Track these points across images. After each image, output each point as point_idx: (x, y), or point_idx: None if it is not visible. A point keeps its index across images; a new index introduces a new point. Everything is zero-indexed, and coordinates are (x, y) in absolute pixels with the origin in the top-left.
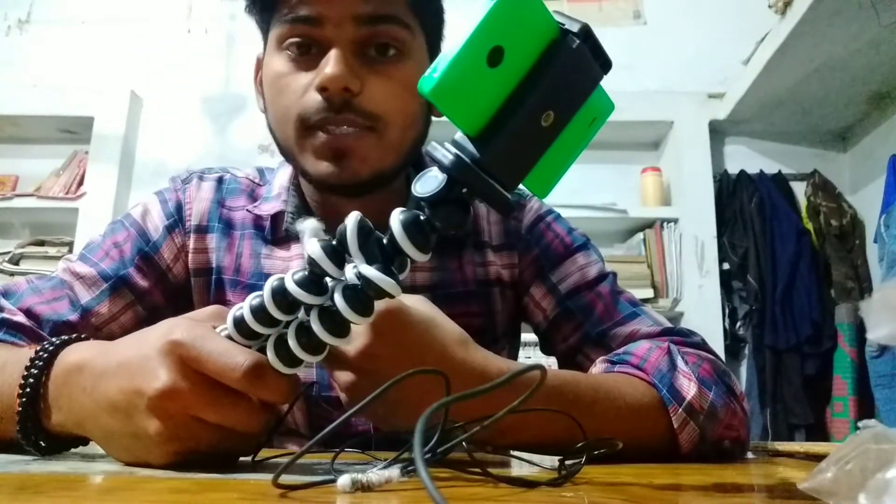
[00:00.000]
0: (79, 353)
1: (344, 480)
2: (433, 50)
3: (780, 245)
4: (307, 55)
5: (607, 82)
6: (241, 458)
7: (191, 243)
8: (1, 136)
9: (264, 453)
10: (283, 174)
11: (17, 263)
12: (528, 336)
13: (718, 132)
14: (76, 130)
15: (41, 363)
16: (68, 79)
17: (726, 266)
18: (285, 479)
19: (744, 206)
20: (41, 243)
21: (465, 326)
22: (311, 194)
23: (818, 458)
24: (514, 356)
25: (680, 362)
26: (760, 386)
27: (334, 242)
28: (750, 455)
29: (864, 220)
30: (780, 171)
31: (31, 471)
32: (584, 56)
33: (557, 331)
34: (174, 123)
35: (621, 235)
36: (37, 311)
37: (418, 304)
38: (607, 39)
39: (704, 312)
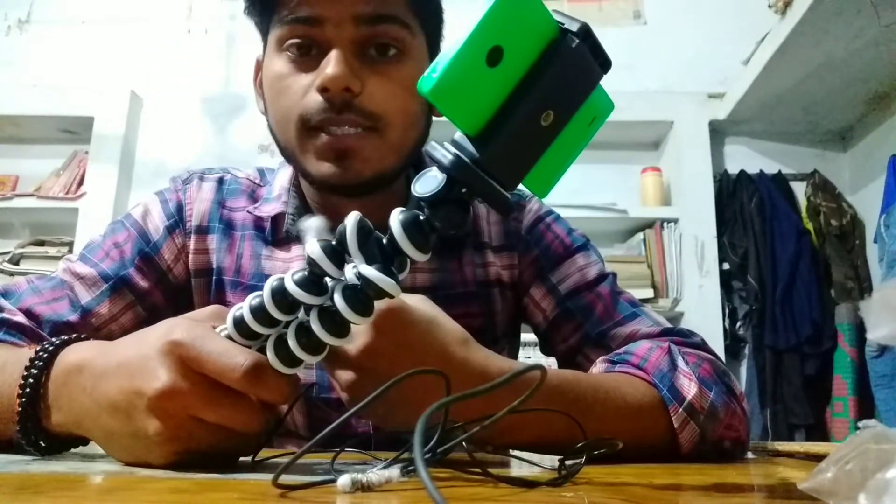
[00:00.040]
0: (79, 354)
1: (344, 480)
2: (433, 50)
3: (780, 245)
4: (307, 56)
5: (607, 82)
6: (241, 458)
7: (191, 244)
8: (1, 136)
9: (264, 453)
10: (283, 175)
11: (17, 263)
12: (528, 336)
13: (718, 132)
14: (76, 130)
15: (41, 363)
16: (68, 79)
17: (726, 266)
18: (285, 479)
19: (744, 206)
20: (41, 243)
21: (465, 327)
22: (312, 195)
23: (818, 458)
24: (514, 356)
25: (680, 362)
26: (760, 386)
27: (334, 243)
28: (750, 455)
29: (864, 220)
30: (780, 171)
31: (31, 471)
32: (583, 56)
33: (557, 331)
34: (174, 123)
35: (621, 235)
36: (37, 312)
37: (419, 304)
38: (607, 39)
39: (704, 312)
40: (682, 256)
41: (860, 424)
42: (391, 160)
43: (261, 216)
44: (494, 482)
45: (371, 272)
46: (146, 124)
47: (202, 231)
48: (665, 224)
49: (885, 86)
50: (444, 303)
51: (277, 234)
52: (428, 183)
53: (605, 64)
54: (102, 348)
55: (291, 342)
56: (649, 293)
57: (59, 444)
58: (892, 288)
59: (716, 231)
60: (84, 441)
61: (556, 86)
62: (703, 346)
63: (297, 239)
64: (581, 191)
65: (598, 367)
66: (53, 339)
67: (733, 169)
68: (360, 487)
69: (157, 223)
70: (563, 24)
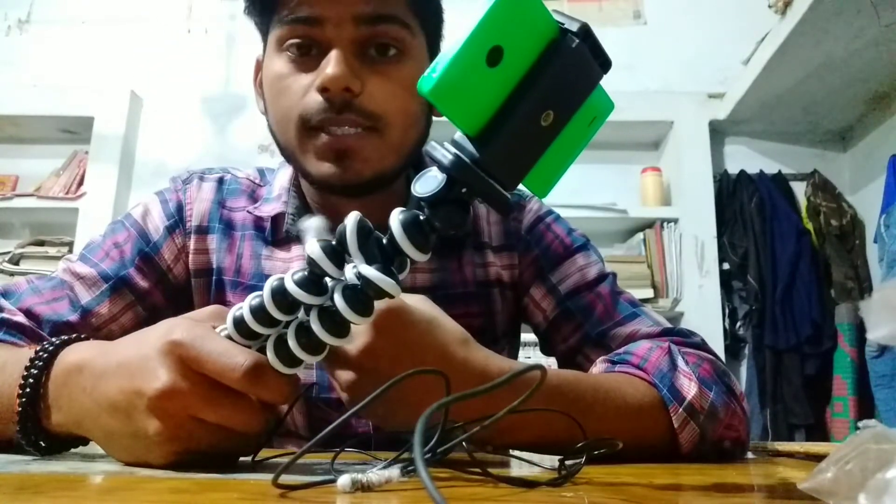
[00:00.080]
0: (79, 354)
1: (344, 480)
2: (433, 50)
3: (780, 245)
4: (307, 56)
5: (607, 82)
6: (241, 458)
7: (191, 244)
8: (1, 136)
9: (264, 453)
10: (283, 175)
11: (17, 263)
12: (528, 336)
13: (718, 132)
14: (76, 130)
15: (41, 363)
16: (68, 79)
17: (726, 266)
18: (285, 479)
19: (744, 206)
20: (41, 243)
21: (465, 327)
22: (312, 195)
23: (818, 458)
24: (514, 356)
25: (680, 362)
26: (760, 386)
27: (334, 243)
28: (750, 455)
29: (864, 220)
30: (780, 171)
31: (31, 471)
32: (583, 55)
33: (557, 331)
34: (174, 123)
35: (621, 235)
36: (37, 312)
37: (420, 304)
38: (607, 39)
39: (704, 312)
40: (682, 256)
41: (860, 424)
42: (391, 160)
43: (261, 216)
44: (494, 482)
45: (371, 272)
46: (146, 124)
47: (202, 231)
48: (665, 224)
49: (885, 86)
50: (443, 303)
51: (277, 234)
52: (428, 183)
53: (605, 64)
54: (102, 348)
55: (291, 342)
56: (649, 293)
57: (59, 444)
58: (892, 288)
59: (716, 231)
60: (84, 441)
61: (556, 86)
62: (703, 346)
63: (297, 239)
64: (581, 191)
65: (598, 367)
66: (53, 339)
67: (733, 169)
68: (360, 487)
69: (157, 223)
70: (563, 24)
